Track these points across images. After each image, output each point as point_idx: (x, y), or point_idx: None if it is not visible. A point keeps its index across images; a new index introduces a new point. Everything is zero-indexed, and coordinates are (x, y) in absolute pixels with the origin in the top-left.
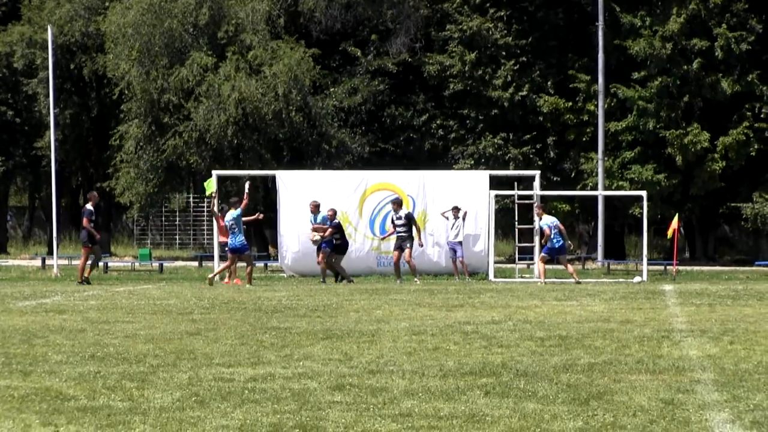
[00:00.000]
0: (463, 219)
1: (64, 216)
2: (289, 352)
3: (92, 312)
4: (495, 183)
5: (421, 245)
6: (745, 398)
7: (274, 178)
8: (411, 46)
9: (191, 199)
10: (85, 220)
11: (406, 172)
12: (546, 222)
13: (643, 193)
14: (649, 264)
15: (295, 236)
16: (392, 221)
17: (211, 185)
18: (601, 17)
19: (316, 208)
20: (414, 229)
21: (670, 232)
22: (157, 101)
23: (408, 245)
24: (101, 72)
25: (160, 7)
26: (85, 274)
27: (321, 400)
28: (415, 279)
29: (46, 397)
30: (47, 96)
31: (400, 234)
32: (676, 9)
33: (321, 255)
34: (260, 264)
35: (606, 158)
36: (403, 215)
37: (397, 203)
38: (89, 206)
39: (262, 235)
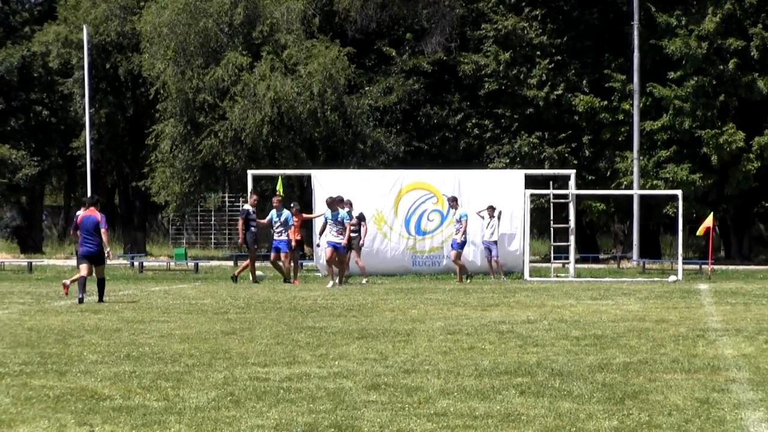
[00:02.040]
0: (498, 218)
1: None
2: (324, 351)
3: (127, 311)
4: (530, 182)
5: (361, 245)
6: None
7: (309, 177)
8: (446, 46)
9: (226, 199)
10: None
11: (441, 172)
12: (464, 214)
13: (679, 193)
14: (684, 263)
15: None
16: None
17: (279, 187)
18: (636, 17)
19: (279, 203)
20: (363, 229)
21: (701, 230)
22: (192, 101)
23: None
24: (137, 71)
25: (196, 6)
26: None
27: (356, 399)
28: (364, 280)
29: (81, 397)
30: (83, 96)
31: (352, 235)
32: (711, 8)
33: (355, 254)
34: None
35: (641, 157)
36: (354, 216)
37: (348, 203)
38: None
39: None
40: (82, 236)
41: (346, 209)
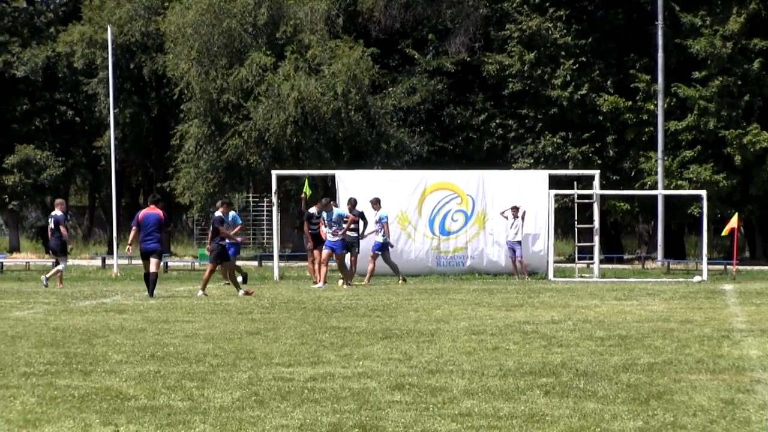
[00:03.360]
0: (523, 218)
1: (124, 216)
2: (348, 351)
3: (152, 311)
4: (554, 182)
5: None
6: None
7: (333, 177)
8: (470, 46)
9: (251, 199)
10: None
11: (465, 172)
12: (385, 215)
13: (703, 193)
14: (709, 263)
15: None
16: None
17: (307, 188)
18: (660, 17)
19: (227, 208)
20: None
21: (726, 231)
22: (216, 101)
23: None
24: (161, 72)
25: (219, 7)
26: None
27: (380, 399)
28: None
29: (106, 397)
30: (107, 96)
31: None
32: (736, 8)
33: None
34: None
35: (665, 157)
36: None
37: (376, 202)
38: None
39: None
40: (144, 233)
41: (347, 208)
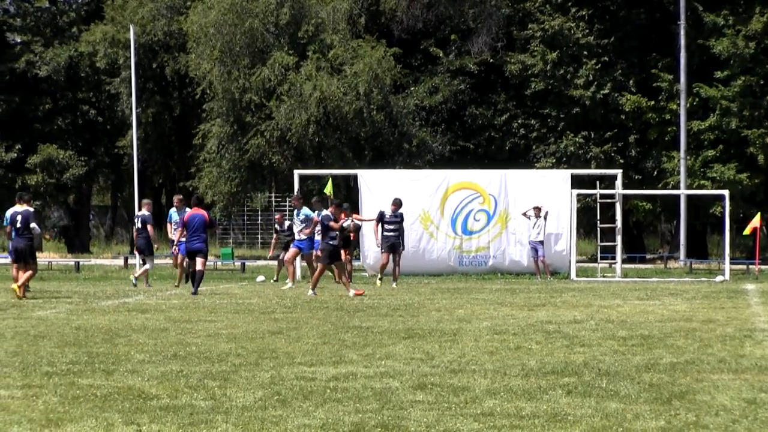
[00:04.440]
0: (545, 218)
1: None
2: (370, 351)
3: (174, 311)
4: (576, 182)
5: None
6: None
7: (355, 177)
8: (492, 45)
9: (273, 198)
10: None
11: (487, 171)
12: (309, 213)
13: (726, 192)
14: (731, 263)
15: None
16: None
17: (329, 187)
18: (683, 16)
19: (180, 203)
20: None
21: (749, 230)
22: (238, 101)
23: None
24: (183, 71)
25: (242, 6)
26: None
27: (403, 399)
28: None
29: (128, 396)
30: (129, 95)
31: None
32: (759, 8)
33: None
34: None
35: (688, 157)
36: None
37: (398, 203)
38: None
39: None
40: (190, 233)
41: (392, 209)
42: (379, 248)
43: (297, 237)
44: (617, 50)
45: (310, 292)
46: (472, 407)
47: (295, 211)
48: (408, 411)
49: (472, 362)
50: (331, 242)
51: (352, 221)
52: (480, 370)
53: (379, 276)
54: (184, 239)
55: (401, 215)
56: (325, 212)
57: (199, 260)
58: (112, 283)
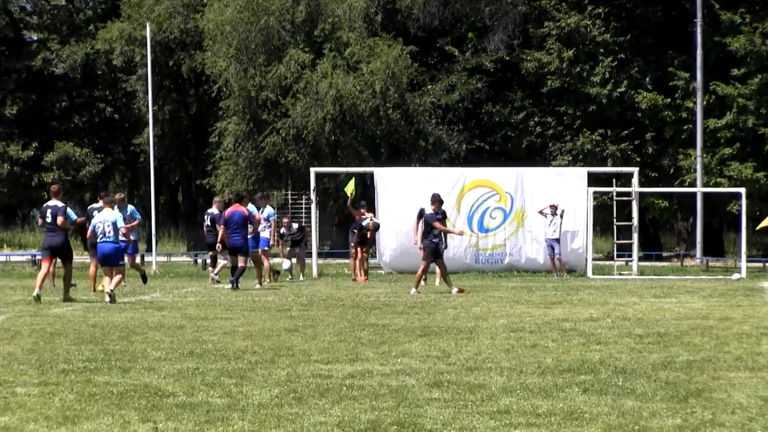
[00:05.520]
0: (561, 216)
1: (163, 213)
2: (387, 348)
3: (191, 309)
4: (593, 180)
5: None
6: None
7: (372, 175)
8: (509, 43)
9: (290, 196)
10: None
11: (504, 169)
12: (272, 212)
13: (742, 190)
14: (748, 261)
15: (393, 233)
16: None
17: (350, 186)
18: (699, 14)
19: (121, 201)
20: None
21: (761, 226)
22: (255, 98)
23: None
24: (199, 69)
25: (258, 4)
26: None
27: (419, 396)
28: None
29: (145, 394)
30: (146, 93)
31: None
32: None
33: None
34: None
35: (704, 155)
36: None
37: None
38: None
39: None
40: (229, 230)
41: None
42: (419, 246)
43: (261, 235)
44: (633, 48)
45: (413, 290)
46: (488, 405)
47: (260, 210)
48: (424, 409)
49: (489, 360)
50: (434, 240)
51: (372, 220)
52: (496, 367)
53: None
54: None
55: (443, 212)
56: (429, 210)
57: (240, 258)
58: (129, 281)
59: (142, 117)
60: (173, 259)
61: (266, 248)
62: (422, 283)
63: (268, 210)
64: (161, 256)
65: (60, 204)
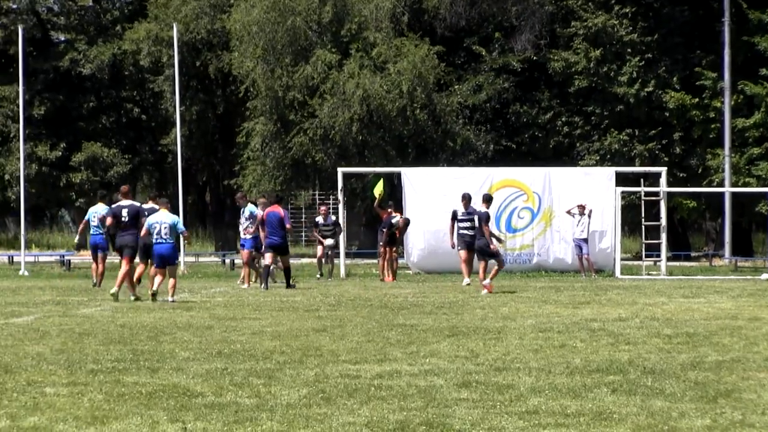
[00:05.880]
0: (589, 216)
1: (191, 213)
2: (415, 349)
3: (219, 309)
4: (621, 179)
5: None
6: None
7: (399, 174)
8: (536, 43)
9: (317, 196)
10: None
11: (531, 169)
12: (253, 210)
13: None
14: None
15: (421, 233)
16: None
17: (379, 187)
18: (727, 13)
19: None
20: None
21: None
22: (282, 99)
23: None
24: (226, 69)
25: (284, 4)
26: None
27: (447, 397)
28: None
29: (173, 394)
30: (173, 93)
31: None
32: None
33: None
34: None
35: (732, 155)
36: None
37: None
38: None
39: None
40: (268, 230)
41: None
42: (455, 248)
43: (242, 236)
44: (661, 47)
45: (484, 291)
46: (516, 405)
47: (241, 210)
48: (452, 409)
49: (517, 360)
50: (481, 238)
51: (401, 218)
52: (525, 368)
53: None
54: (249, 236)
55: (475, 210)
56: (483, 210)
57: (282, 257)
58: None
59: (170, 117)
60: (201, 259)
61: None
62: (487, 280)
63: (484, 210)
64: (189, 257)
65: (136, 204)
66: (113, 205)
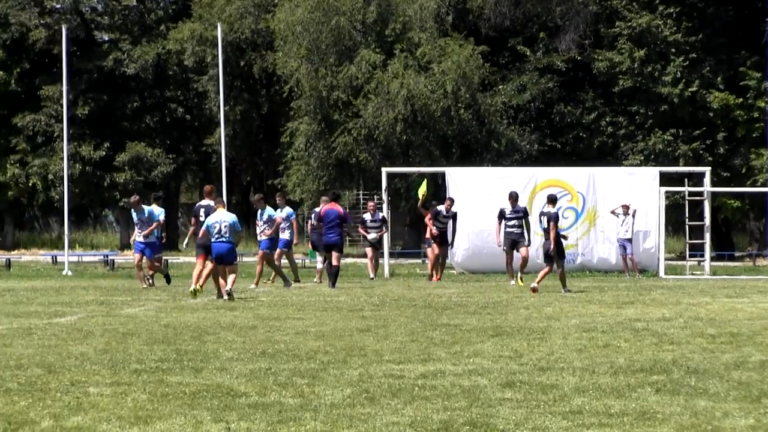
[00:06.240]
0: (633, 216)
1: (235, 213)
2: (459, 349)
3: (263, 309)
4: (665, 179)
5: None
6: None
7: (443, 174)
8: (580, 43)
9: (361, 196)
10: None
11: (575, 169)
12: (292, 212)
13: None
14: None
15: (465, 233)
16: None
17: (423, 188)
18: None
19: (136, 204)
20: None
21: None
22: (326, 99)
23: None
24: (271, 69)
25: (329, 4)
26: None
27: (491, 397)
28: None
29: (217, 394)
30: (217, 93)
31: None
32: None
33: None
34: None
35: None
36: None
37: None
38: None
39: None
40: (325, 227)
41: (510, 203)
42: (500, 246)
43: (259, 237)
44: (705, 47)
45: (563, 291)
46: (560, 405)
47: (258, 212)
48: (496, 409)
49: (561, 360)
50: (546, 242)
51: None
52: (568, 368)
53: (519, 275)
54: (264, 237)
55: (522, 209)
56: (552, 209)
57: (334, 255)
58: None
59: (214, 117)
60: (245, 259)
61: (285, 249)
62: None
63: (288, 210)
64: None
65: (212, 204)
66: (196, 205)
